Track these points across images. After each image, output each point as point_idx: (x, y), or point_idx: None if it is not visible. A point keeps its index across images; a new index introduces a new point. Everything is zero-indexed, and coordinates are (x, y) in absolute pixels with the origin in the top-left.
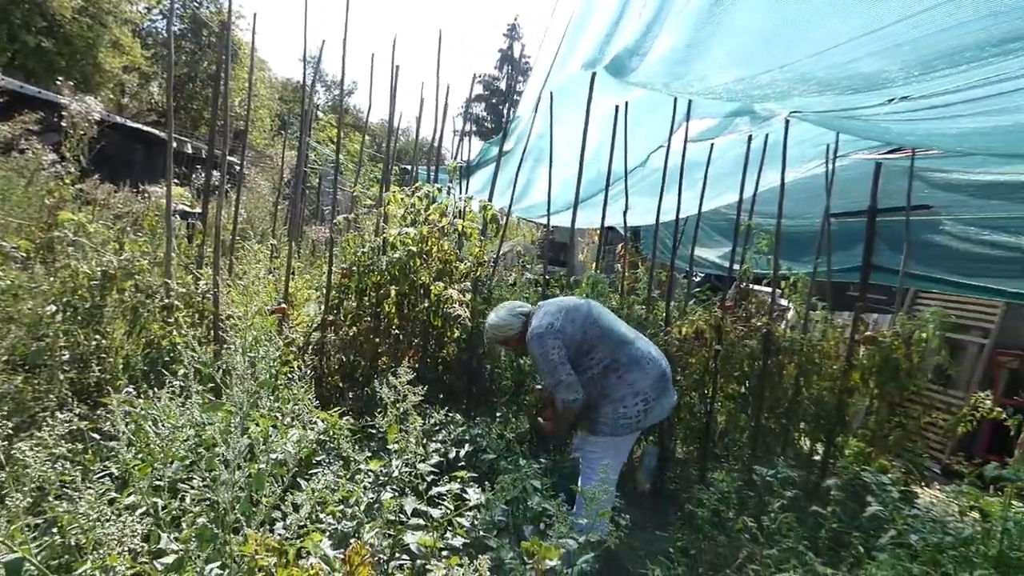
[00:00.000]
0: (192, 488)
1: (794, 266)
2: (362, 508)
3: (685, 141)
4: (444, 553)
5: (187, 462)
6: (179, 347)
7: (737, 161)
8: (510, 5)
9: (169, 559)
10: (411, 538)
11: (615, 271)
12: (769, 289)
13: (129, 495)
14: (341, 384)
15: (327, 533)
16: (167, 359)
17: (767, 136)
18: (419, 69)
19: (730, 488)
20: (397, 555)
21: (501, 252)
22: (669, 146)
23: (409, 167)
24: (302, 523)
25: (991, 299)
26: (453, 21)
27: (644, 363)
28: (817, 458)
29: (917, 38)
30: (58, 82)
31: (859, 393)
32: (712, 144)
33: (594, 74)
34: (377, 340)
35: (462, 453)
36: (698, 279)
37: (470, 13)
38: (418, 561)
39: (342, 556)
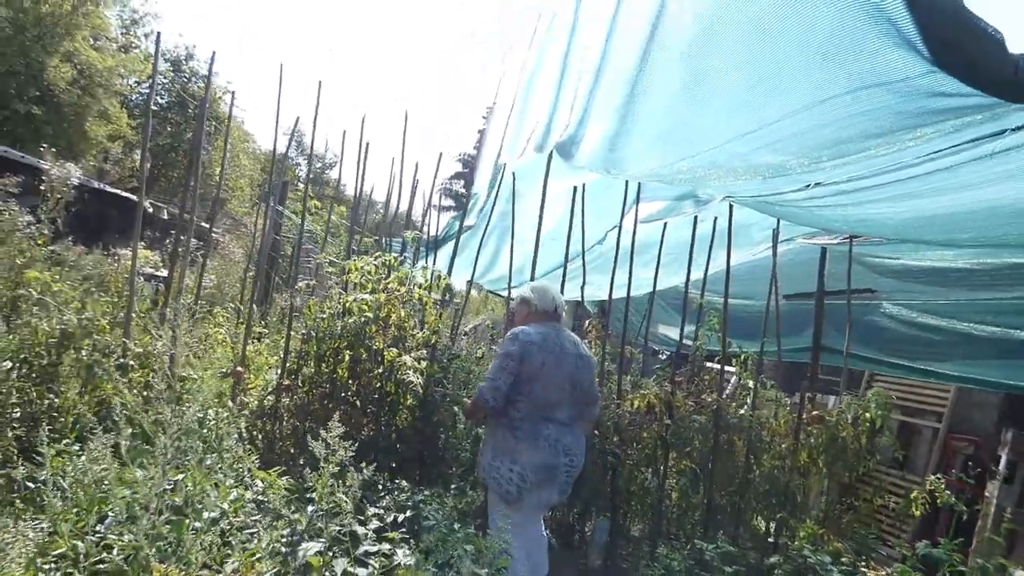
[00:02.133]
0: (120, 540)
1: (747, 345)
2: (268, 550)
3: (635, 222)
4: None
5: (121, 518)
6: (129, 406)
7: (699, 243)
8: (490, 88)
9: None
10: None
11: None
12: (730, 369)
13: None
14: (292, 450)
15: None
16: (115, 418)
17: (716, 219)
18: (410, 150)
19: (680, 565)
20: None
21: (472, 326)
22: (621, 226)
23: (380, 238)
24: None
25: (943, 383)
26: (437, 103)
27: (539, 441)
28: (771, 539)
29: (797, 133)
30: (42, 148)
31: (812, 473)
32: (665, 224)
33: (550, 157)
34: (331, 406)
35: (400, 519)
36: (664, 357)
37: (455, 95)
38: None
39: None
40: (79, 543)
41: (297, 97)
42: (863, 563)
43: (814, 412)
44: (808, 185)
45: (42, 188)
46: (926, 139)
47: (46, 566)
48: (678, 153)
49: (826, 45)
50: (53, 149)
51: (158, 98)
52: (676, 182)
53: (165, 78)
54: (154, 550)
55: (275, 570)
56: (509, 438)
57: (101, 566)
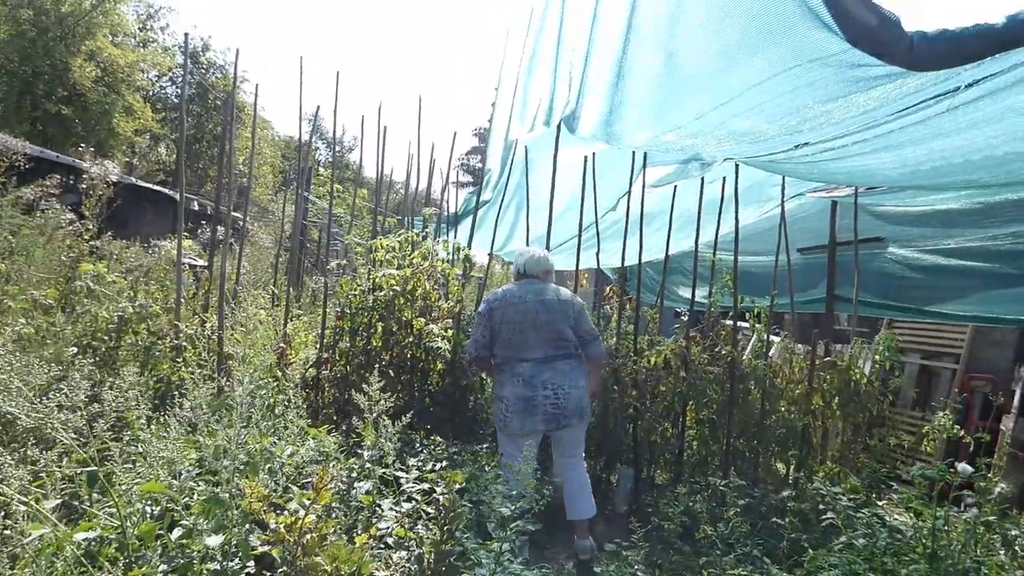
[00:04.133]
0: (199, 486)
1: (765, 301)
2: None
3: (643, 187)
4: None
5: (196, 471)
6: (186, 382)
7: (709, 204)
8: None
9: (179, 531)
10: (384, 524)
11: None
12: (744, 324)
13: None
14: (335, 417)
15: None
16: (175, 394)
17: (724, 179)
18: (427, 127)
19: (700, 505)
20: (373, 544)
21: None
22: (631, 192)
23: (401, 217)
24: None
25: (960, 325)
26: (455, 76)
27: (515, 379)
28: (789, 480)
29: (762, 102)
30: (80, 147)
31: (827, 417)
32: (675, 188)
33: (559, 130)
34: (367, 375)
35: (437, 467)
36: (685, 318)
37: (468, 71)
38: (390, 544)
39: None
40: (174, 481)
41: (316, 84)
42: (876, 496)
43: (826, 358)
44: (797, 145)
45: (82, 187)
46: (880, 102)
47: (146, 499)
48: (664, 125)
49: (769, 26)
50: (90, 148)
51: (179, 90)
52: (670, 151)
53: (184, 71)
54: (237, 476)
55: (336, 503)
56: (497, 378)
57: (191, 499)
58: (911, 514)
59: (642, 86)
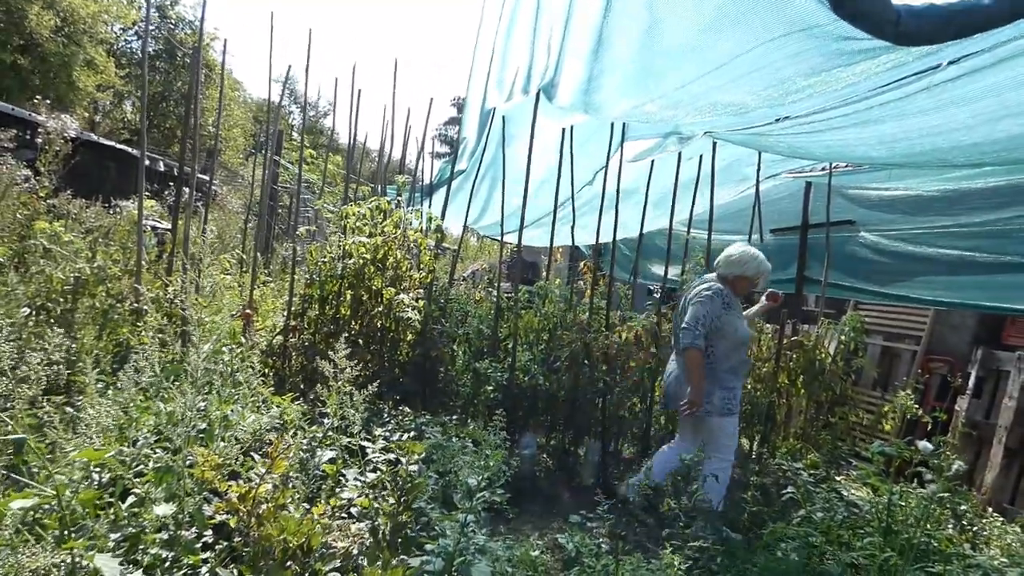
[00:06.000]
0: (155, 454)
1: None
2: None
3: (620, 162)
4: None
5: (154, 438)
6: (147, 347)
7: (686, 181)
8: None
9: (131, 499)
10: (347, 493)
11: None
12: None
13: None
14: (302, 386)
15: None
16: (135, 359)
17: (701, 157)
18: (404, 100)
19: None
20: (334, 514)
21: (471, 271)
22: (607, 167)
23: (375, 185)
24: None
25: (922, 308)
26: (429, 47)
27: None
28: (753, 455)
29: (743, 74)
30: (35, 100)
31: (791, 395)
32: (652, 163)
33: (537, 99)
34: (336, 343)
35: (405, 438)
36: (657, 295)
37: (452, 41)
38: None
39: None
40: (124, 448)
41: (289, 45)
42: (835, 472)
43: (793, 338)
44: (777, 119)
45: (38, 141)
46: (863, 76)
47: (97, 466)
48: (645, 95)
49: None
50: (47, 101)
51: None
52: (650, 122)
53: (152, 25)
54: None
55: (296, 473)
56: None
57: (147, 467)
58: (868, 489)
59: (623, 53)
